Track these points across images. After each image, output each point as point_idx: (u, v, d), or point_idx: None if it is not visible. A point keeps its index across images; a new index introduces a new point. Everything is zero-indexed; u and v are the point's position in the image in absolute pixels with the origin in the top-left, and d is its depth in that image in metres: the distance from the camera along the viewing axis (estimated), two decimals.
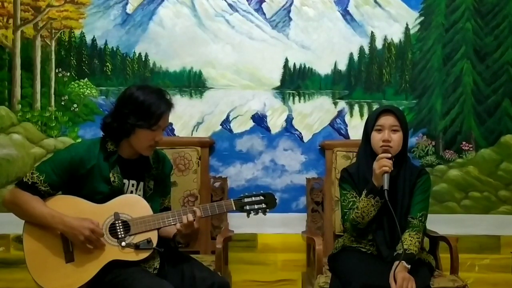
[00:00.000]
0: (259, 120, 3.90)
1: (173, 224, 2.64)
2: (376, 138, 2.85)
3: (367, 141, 2.92)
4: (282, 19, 3.92)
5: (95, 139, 2.75)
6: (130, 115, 2.59)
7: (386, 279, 2.61)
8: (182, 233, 2.64)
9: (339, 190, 3.00)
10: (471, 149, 3.91)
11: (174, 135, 3.83)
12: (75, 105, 3.83)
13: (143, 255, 2.57)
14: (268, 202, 2.74)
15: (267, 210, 2.73)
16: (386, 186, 2.70)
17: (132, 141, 2.64)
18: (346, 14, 3.92)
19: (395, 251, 2.72)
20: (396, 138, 2.84)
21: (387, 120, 2.85)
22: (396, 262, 2.65)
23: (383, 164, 2.72)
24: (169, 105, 2.66)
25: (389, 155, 2.76)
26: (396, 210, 2.80)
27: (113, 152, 2.66)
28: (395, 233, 2.73)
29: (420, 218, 2.84)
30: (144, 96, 2.60)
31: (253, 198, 2.73)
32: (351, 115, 3.90)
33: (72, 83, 3.85)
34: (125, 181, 2.68)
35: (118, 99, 2.71)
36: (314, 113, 3.91)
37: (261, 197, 2.73)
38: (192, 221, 2.61)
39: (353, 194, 2.90)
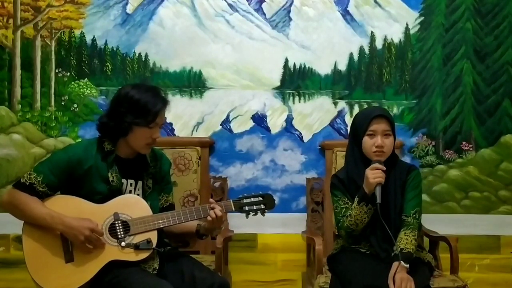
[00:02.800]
0: (259, 120, 3.90)
1: (173, 225, 2.65)
2: (369, 143, 2.80)
3: (355, 144, 2.88)
4: (282, 19, 3.92)
5: (91, 139, 2.75)
6: (126, 113, 2.59)
7: (385, 279, 2.61)
8: (211, 227, 2.71)
9: (331, 197, 2.96)
10: (471, 149, 3.91)
11: (174, 135, 3.83)
12: (75, 105, 3.84)
13: (143, 255, 2.56)
14: (267, 203, 2.75)
15: (266, 210, 2.75)
16: (379, 200, 2.67)
17: (130, 140, 2.64)
18: (346, 14, 3.92)
19: (393, 252, 2.71)
20: (389, 143, 2.81)
21: (380, 126, 2.80)
22: (395, 263, 2.64)
23: (377, 176, 2.70)
24: (165, 102, 2.66)
25: (384, 167, 2.73)
26: (389, 211, 2.80)
27: (110, 152, 2.66)
28: (390, 239, 2.72)
29: (414, 215, 2.80)
30: (139, 95, 2.61)
31: (252, 199, 2.74)
32: (351, 115, 3.89)
33: (72, 83, 3.85)
34: (124, 180, 2.67)
35: (113, 99, 2.70)
36: (314, 113, 3.91)
37: (260, 198, 2.74)
38: (221, 215, 2.65)
39: (344, 201, 2.86)
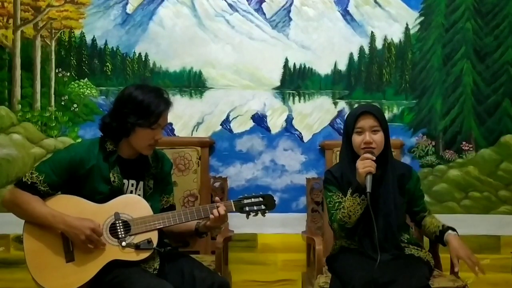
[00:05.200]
0: (259, 120, 3.90)
1: (173, 225, 2.65)
2: (357, 140, 2.83)
3: (347, 143, 2.90)
4: (282, 19, 3.93)
5: (94, 139, 2.75)
6: (129, 114, 2.59)
7: (386, 275, 2.60)
8: (213, 226, 2.71)
9: (324, 192, 2.98)
10: (471, 149, 3.91)
11: (174, 135, 3.83)
12: (75, 105, 3.84)
13: (144, 255, 2.57)
14: (267, 203, 2.75)
15: (266, 211, 2.75)
16: (369, 189, 2.68)
17: (132, 141, 2.65)
18: (346, 14, 3.92)
19: (387, 252, 2.72)
20: (378, 138, 2.82)
21: (367, 122, 2.82)
22: (451, 237, 2.88)
23: (367, 165, 2.71)
24: (168, 104, 2.67)
25: (374, 157, 2.75)
26: (385, 209, 2.82)
27: (112, 152, 2.66)
28: (386, 234, 2.76)
29: (426, 207, 3.06)
30: (143, 95, 2.61)
31: (252, 199, 2.74)
32: None
33: (72, 83, 3.85)
34: (125, 181, 2.68)
35: (116, 99, 2.71)
36: (314, 113, 3.91)
37: (260, 199, 2.75)
38: (224, 214, 2.65)
39: (338, 196, 2.88)
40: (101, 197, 2.61)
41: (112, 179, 2.63)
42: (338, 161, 3.58)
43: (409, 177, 2.96)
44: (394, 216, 2.84)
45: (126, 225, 2.59)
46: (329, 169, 3.04)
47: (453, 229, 2.94)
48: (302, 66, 3.90)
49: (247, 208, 2.73)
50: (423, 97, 3.92)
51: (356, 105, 3.89)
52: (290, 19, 3.92)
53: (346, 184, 2.86)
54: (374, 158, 2.75)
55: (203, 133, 3.85)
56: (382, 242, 2.77)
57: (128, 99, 2.62)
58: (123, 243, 2.56)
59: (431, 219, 3.01)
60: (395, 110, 3.90)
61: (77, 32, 3.86)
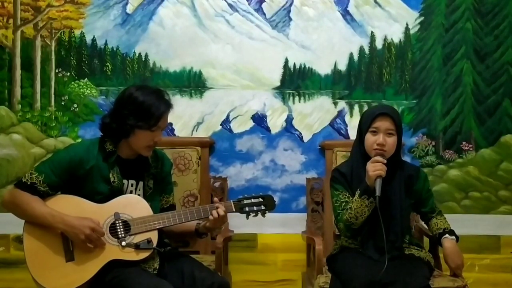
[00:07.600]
0: (259, 120, 3.90)
1: (173, 225, 2.65)
2: (370, 140, 2.82)
3: (360, 141, 2.89)
4: (282, 19, 3.93)
5: (93, 139, 2.75)
6: (129, 115, 2.59)
7: (386, 275, 2.60)
8: (212, 227, 2.72)
9: (330, 190, 2.97)
10: (471, 149, 3.91)
11: (174, 135, 3.83)
12: (75, 105, 3.84)
13: (143, 255, 2.57)
14: (267, 203, 2.76)
15: (266, 211, 2.75)
16: (378, 193, 2.69)
17: (131, 142, 2.65)
18: (346, 14, 3.92)
19: (388, 254, 2.71)
20: (391, 142, 2.81)
21: (383, 124, 2.80)
22: (446, 241, 2.89)
23: (377, 168, 2.71)
24: (168, 106, 2.67)
25: (385, 160, 2.74)
26: (391, 212, 2.82)
27: (112, 152, 2.66)
28: (388, 237, 2.74)
29: (434, 207, 3.02)
30: (143, 97, 2.61)
31: (252, 200, 2.74)
32: (351, 115, 3.90)
33: (72, 83, 3.85)
34: (125, 181, 2.68)
35: (117, 100, 2.71)
36: (314, 113, 3.91)
37: (260, 199, 2.75)
38: (223, 215, 2.65)
39: (345, 195, 2.87)
40: (101, 197, 2.61)
41: (112, 179, 2.63)
42: (338, 161, 3.60)
43: (417, 177, 2.95)
44: (399, 219, 2.84)
45: (126, 225, 2.60)
46: (336, 167, 3.03)
47: (452, 233, 2.93)
48: (302, 66, 3.90)
49: (247, 209, 2.73)
50: (423, 97, 3.92)
51: (356, 105, 3.91)
52: (290, 19, 3.92)
53: (356, 179, 2.85)
54: (385, 161, 2.74)
55: (203, 133, 3.85)
56: (385, 244, 2.77)
57: (129, 100, 2.62)
58: (123, 243, 2.56)
59: (436, 220, 2.99)
60: None
61: (77, 32, 3.86)
